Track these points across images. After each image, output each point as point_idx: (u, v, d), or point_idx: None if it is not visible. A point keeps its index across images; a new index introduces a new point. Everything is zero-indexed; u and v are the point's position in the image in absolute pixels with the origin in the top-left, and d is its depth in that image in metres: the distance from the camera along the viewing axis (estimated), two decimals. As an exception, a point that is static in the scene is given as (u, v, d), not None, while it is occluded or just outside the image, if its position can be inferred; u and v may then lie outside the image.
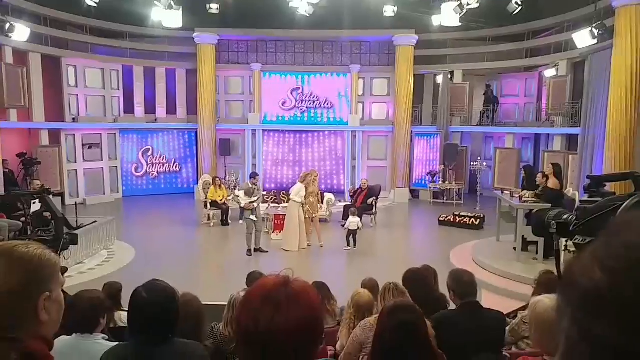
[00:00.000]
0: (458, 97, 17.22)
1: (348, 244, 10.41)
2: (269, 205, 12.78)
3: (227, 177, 15.11)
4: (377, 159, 18.02)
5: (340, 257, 10.23)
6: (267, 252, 10.09)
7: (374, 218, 12.83)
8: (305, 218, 10.35)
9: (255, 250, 10.00)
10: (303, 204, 10.21)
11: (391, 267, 9.17)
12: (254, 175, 10.06)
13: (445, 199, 16.62)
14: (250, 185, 9.96)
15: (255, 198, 9.79)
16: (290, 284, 1.36)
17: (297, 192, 10.17)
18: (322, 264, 9.90)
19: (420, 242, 11.58)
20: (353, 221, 10.30)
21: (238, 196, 9.97)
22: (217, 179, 13.01)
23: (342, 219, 11.89)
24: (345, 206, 12.45)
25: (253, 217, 9.76)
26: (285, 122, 17.90)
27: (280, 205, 13.07)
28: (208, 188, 13.07)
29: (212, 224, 12.65)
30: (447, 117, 17.19)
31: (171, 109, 17.80)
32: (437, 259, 9.71)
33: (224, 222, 12.78)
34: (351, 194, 13.44)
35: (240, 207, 9.99)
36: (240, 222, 10.32)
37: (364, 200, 12.66)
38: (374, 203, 12.69)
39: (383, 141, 18.00)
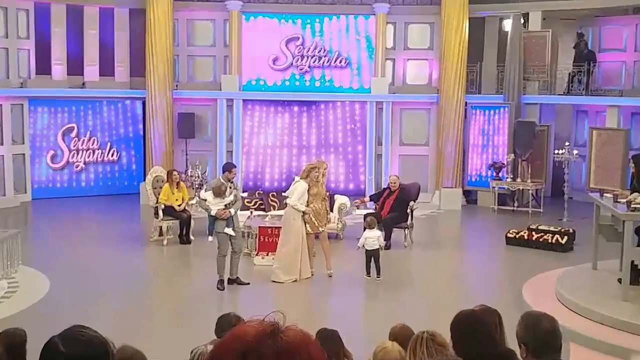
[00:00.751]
0: (535, 52, 17.20)
1: (368, 272, 10.45)
2: (251, 213, 12.82)
3: (190, 170, 15.19)
4: (413, 144, 18.07)
5: (358, 292, 10.25)
6: (247, 284, 10.11)
7: (409, 234, 12.88)
8: (307, 233, 10.37)
9: (231, 281, 10.03)
10: (304, 212, 10.23)
11: (433, 308, 9.20)
12: (229, 168, 10.04)
13: (516, 204, 16.65)
14: (224, 183, 9.89)
15: (231, 200, 9.81)
16: (280, 335, 1.38)
17: (298, 194, 10.18)
18: (332, 302, 9.93)
19: (477, 270, 11.61)
20: (371, 236, 10.33)
21: (205, 199, 9.90)
22: (175, 174, 13.06)
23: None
24: (366, 215, 12.46)
25: (228, 231, 9.77)
26: (277, 88, 17.98)
27: (269, 213, 13.12)
28: (161, 187, 13.13)
29: (165, 242, 12.73)
30: (520, 81, 17.19)
31: (106, 69, 17.91)
32: (502, 295, 9.73)
33: (184, 239, 12.86)
34: (374, 201, 13.45)
35: (210, 216, 9.95)
36: (209, 238, 10.26)
37: (393, 207, 12.69)
38: (408, 211, 12.73)
39: (423, 117, 18.04)
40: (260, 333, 1.39)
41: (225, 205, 9.79)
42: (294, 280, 10.19)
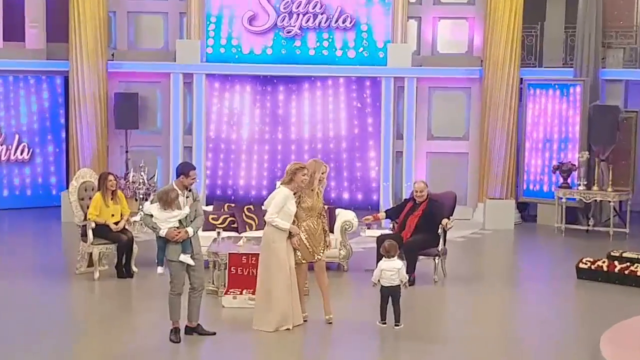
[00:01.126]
0: (619, 8, 17.21)
1: (384, 317, 10.43)
2: (218, 234, 12.80)
3: (132, 174, 15.17)
4: (448, 137, 18.08)
5: (369, 345, 10.20)
6: (213, 334, 10.05)
7: (441, 264, 12.88)
8: (297, 263, 10.38)
9: (190, 330, 9.98)
10: (290, 233, 10.22)
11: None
12: (185, 171, 9.97)
13: (591, 222, 16.65)
14: (175, 189, 9.89)
15: (186, 214, 9.77)
16: None
17: (276, 204, 10.15)
18: (338, 353, 9.89)
19: (536, 316, 11.58)
20: (389, 268, 10.30)
21: (150, 214, 9.87)
22: (111, 179, 13.00)
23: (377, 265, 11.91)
24: (379, 238, 12.43)
25: (185, 259, 9.72)
26: (255, 58, 17.98)
27: (244, 234, 13.07)
28: (91, 198, 13.09)
29: (97, 275, 12.69)
30: (597, 50, 17.22)
31: (13, 32, 17.89)
32: (572, 350, 9.70)
33: (124, 271, 12.83)
34: (392, 217, 13.44)
35: (159, 239, 9.91)
36: (159, 270, 10.21)
37: (419, 226, 12.68)
38: (440, 232, 12.72)
39: (460, 100, 18.05)
40: None
41: (180, 222, 9.74)
42: (286, 329, 10.16)
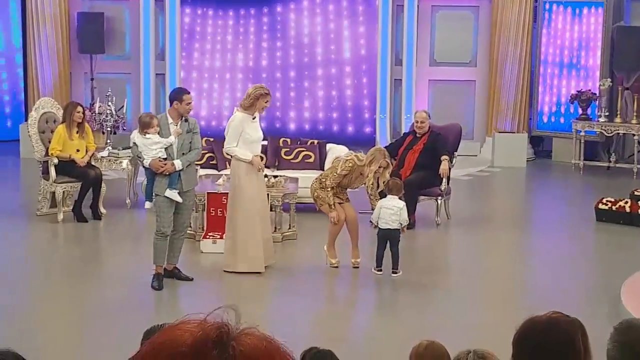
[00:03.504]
0: None
1: (380, 264, 10.53)
2: (196, 172, 12.86)
3: (98, 104, 15.11)
4: (452, 63, 18.06)
5: (364, 293, 10.38)
6: (190, 279, 10.24)
7: (444, 204, 12.99)
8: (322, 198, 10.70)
9: (167, 273, 10.13)
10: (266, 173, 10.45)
11: (482, 319, 9.31)
12: (179, 96, 9.94)
13: (613, 158, 16.74)
14: (152, 114, 10.09)
15: (171, 142, 9.80)
16: (231, 343, 1.43)
17: (232, 132, 10.15)
18: (325, 309, 10.03)
19: (550, 262, 11.71)
20: (389, 207, 10.39)
21: (135, 144, 9.96)
22: (79, 109, 12.99)
23: (372, 209, 11.98)
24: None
25: (170, 195, 9.76)
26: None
27: (224, 172, 13.11)
28: (52, 132, 13.09)
29: (61, 216, 12.73)
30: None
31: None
32: (590, 299, 9.87)
33: (92, 212, 12.92)
34: (390, 154, 13.48)
35: (147, 171, 10.00)
36: (146, 205, 10.36)
37: (419, 162, 12.74)
38: (443, 170, 12.77)
39: (467, 20, 17.99)
40: (200, 340, 1.43)
41: (167, 152, 9.82)
42: (257, 273, 10.30)
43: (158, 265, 9.98)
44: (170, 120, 9.90)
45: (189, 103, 9.95)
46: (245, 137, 10.10)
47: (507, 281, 11.04)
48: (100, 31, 17.36)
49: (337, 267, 10.74)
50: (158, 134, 9.82)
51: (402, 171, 12.62)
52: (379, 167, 10.59)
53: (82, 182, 12.76)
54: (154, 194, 9.89)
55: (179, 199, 9.81)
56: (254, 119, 10.20)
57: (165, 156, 9.79)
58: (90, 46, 17.34)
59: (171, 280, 10.12)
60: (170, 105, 10.03)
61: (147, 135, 9.77)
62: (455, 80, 17.97)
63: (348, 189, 10.97)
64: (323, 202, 10.72)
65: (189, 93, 10.11)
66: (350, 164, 10.67)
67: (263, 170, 10.45)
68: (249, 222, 10.29)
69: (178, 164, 9.76)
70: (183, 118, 9.91)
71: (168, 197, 9.77)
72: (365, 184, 10.79)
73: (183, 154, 9.88)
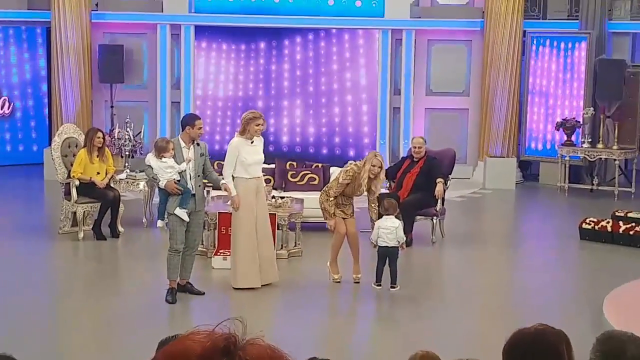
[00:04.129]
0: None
1: (379, 279, 10.53)
2: (207, 193, 12.79)
3: (117, 130, 15.15)
4: (447, 92, 18.07)
5: (363, 307, 10.38)
6: (202, 293, 10.25)
7: (439, 224, 12.99)
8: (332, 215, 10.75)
9: (180, 288, 10.15)
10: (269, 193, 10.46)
11: (473, 331, 9.31)
12: (191, 122, 9.99)
13: (595, 182, 16.71)
14: (168, 139, 10.13)
15: (181, 169, 9.85)
16: (238, 353, 1.45)
17: (231, 159, 10.25)
18: (326, 321, 10.03)
19: (537, 277, 11.69)
20: (387, 227, 10.38)
21: (150, 166, 10.00)
22: (100, 135, 13.01)
23: (371, 229, 11.98)
24: (378, 197, 12.48)
25: (180, 214, 9.78)
26: (242, 7, 17.88)
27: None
28: (74, 155, 13.10)
29: (82, 234, 12.74)
30: (604, 1, 17.15)
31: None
32: (574, 312, 9.85)
33: (110, 230, 12.91)
34: (389, 177, 13.47)
35: (160, 191, 10.07)
36: (159, 223, 10.42)
37: (417, 184, 12.74)
38: (438, 192, 12.78)
39: (461, 54, 18.02)
40: (209, 349, 1.43)
41: (181, 175, 9.86)
42: (252, 289, 10.33)
43: (172, 280, 9.99)
44: (182, 144, 9.94)
45: (200, 128, 10.02)
46: (241, 160, 10.15)
47: (498, 295, 11.03)
48: (120, 62, 17.39)
49: (339, 282, 10.74)
50: (173, 157, 9.87)
51: (401, 193, 12.63)
52: (372, 165, 10.63)
53: (101, 202, 12.76)
54: (167, 213, 9.94)
55: (186, 218, 9.85)
56: (252, 142, 10.22)
57: (179, 178, 9.84)
58: (111, 76, 17.36)
59: (184, 294, 10.12)
60: (183, 130, 10.05)
61: (163, 159, 9.81)
62: (450, 109, 17.97)
63: (353, 199, 10.95)
64: (326, 212, 10.75)
65: (199, 119, 10.18)
66: (351, 173, 10.70)
67: (237, 208, 10.36)
68: (245, 240, 10.31)
69: (189, 185, 9.91)
70: (195, 142, 9.95)
71: (177, 215, 9.81)
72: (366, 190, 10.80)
73: (198, 176, 9.96)
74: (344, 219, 10.77)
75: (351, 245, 10.86)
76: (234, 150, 10.19)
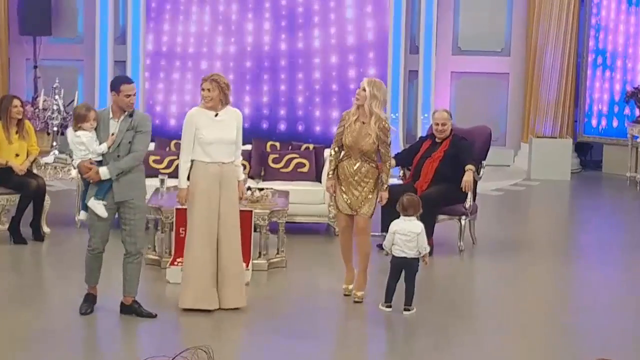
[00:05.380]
0: None
1: (390, 298, 10.50)
2: (162, 182, 12.81)
3: (43, 98, 15.09)
4: (479, 51, 18.07)
5: (369, 333, 10.35)
6: (154, 316, 10.23)
7: (469, 225, 13.03)
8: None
9: (126, 309, 10.17)
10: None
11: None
12: (117, 86, 9.92)
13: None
14: (89, 106, 10.13)
15: (100, 151, 9.76)
16: None
17: (186, 138, 10.24)
18: (318, 352, 9.98)
19: (600, 297, 11.68)
20: (406, 231, 10.33)
21: (79, 136, 9.93)
22: (16, 104, 12.95)
23: (381, 231, 11.95)
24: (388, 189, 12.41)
25: (94, 205, 9.77)
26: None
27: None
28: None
29: (-5, 236, 12.77)
30: None
31: None
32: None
33: (33, 231, 12.92)
34: (403, 164, 13.42)
35: (81, 176, 10.13)
36: (80, 215, 10.47)
37: (439, 173, 12.72)
38: (467, 183, 12.74)
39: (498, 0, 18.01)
40: None
41: (104, 157, 9.79)
42: (206, 311, 10.27)
43: (90, 286, 10.07)
44: (111, 115, 9.84)
45: (129, 95, 9.78)
46: (198, 137, 10.08)
47: (545, 321, 10.97)
48: (47, 7, 17.36)
49: (348, 294, 10.77)
50: (95, 130, 9.79)
51: (418, 184, 12.59)
52: (361, 89, 10.55)
53: (20, 194, 12.73)
54: (88, 200, 9.88)
55: (102, 212, 9.74)
56: (215, 115, 10.14)
57: (100, 159, 9.73)
58: (34, 26, 17.32)
59: (129, 316, 10.09)
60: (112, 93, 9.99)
61: (77, 133, 9.73)
62: (484, 73, 18.00)
63: (370, 177, 10.67)
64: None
65: (130, 82, 9.97)
66: (341, 118, 10.78)
67: (181, 203, 10.31)
68: (198, 245, 10.23)
69: (104, 172, 9.67)
70: (127, 113, 9.83)
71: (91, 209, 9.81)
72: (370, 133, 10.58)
73: (118, 156, 9.76)
74: (348, 215, 10.69)
75: (357, 249, 10.82)
76: (190, 124, 10.13)
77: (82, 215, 10.21)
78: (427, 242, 10.44)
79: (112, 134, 9.73)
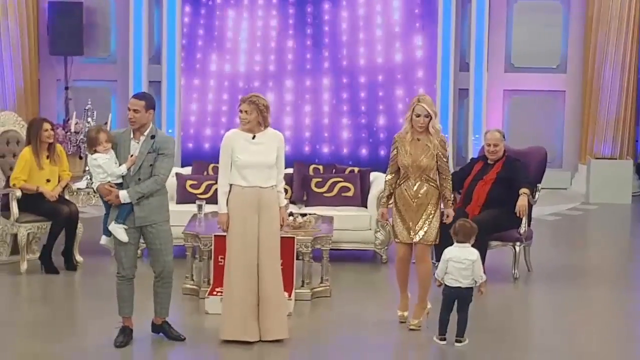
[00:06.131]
0: None
1: (444, 331, 10.44)
2: (200, 208, 12.82)
3: (75, 121, 15.15)
4: (534, 68, 18.00)
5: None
6: (182, 339, 10.28)
7: (524, 252, 12.95)
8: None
9: (156, 328, 10.27)
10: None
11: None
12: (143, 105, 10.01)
13: None
14: (102, 128, 10.15)
15: (119, 174, 9.74)
16: None
17: (224, 163, 10.21)
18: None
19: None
20: (460, 260, 10.25)
21: (95, 159, 9.89)
22: (47, 127, 12.95)
23: (434, 259, 11.90)
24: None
25: (115, 229, 9.80)
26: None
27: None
28: (15, 156, 13.13)
29: (25, 266, 12.81)
30: None
31: None
32: None
33: (65, 260, 12.95)
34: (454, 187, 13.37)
35: (103, 200, 10.13)
36: (102, 240, 10.26)
37: (491, 196, 12.67)
38: (521, 207, 12.65)
39: (554, 12, 17.96)
40: None
41: (124, 179, 9.80)
42: (247, 343, 10.22)
43: (124, 317, 10.07)
44: (132, 135, 9.85)
45: (129, 109, 9.78)
46: (234, 161, 10.06)
47: (603, 352, 10.87)
48: (78, 26, 17.42)
49: (404, 322, 10.77)
50: (115, 151, 9.81)
51: (470, 208, 12.54)
52: (417, 116, 10.52)
53: (52, 221, 12.77)
54: (110, 226, 9.91)
55: (123, 237, 9.76)
56: (253, 138, 10.13)
57: (120, 181, 9.77)
58: (65, 46, 17.39)
59: (159, 337, 10.18)
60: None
61: (94, 156, 9.75)
62: (539, 91, 17.94)
63: (430, 210, 10.67)
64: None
65: (136, 97, 9.95)
66: (394, 141, 10.77)
67: (224, 230, 10.25)
68: (237, 275, 10.18)
69: (124, 195, 9.68)
70: (149, 134, 9.79)
71: (114, 237, 9.84)
72: (432, 151, 10.56)
73: (139, 179, 9.76)
74: (407, 244, 10.66)
75: (418, 278, 10.79)
76: (227, 146, 10.12)
77: (104, 240, 10.18)
78: (483, 271, 10.35)
79: (131, 155, 9.74)
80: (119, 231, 9.78)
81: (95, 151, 9.76)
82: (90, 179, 10.13)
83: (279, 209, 10.31)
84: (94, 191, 10.23)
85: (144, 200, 9.79)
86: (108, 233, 9.98)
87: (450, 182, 10.68)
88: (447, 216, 10.63)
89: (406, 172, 10.55)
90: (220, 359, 10.23)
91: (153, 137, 9.78)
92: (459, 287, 10.13)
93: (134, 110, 9.74)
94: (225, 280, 10.29)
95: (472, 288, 10.19)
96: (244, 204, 10.11)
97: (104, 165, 9.71)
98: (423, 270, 10.68)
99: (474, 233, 10.33)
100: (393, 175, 10.66)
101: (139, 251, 10.50)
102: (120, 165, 9.74)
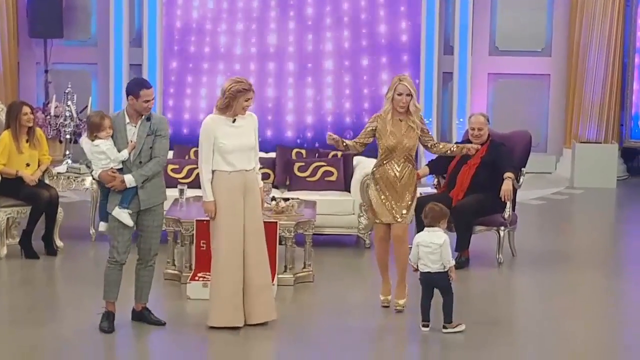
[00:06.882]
0: None
1: (427, 317, 10.46)
2: (181, 193, 12.84)
3: (55, 105, 15.14)
4: (518, 51, 18.04)
5: (404, 355, 10.35)
6: (162, 324, 10.33)
7: (508, 236, 13.01)
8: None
9: (136, 315, 10.30)
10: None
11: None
12: (135, 91, 9.83)
13: None
14: (103, 114, 10.05)
15: (120, 159, 9.75)
16: None
17: (205, 148, 10.21)
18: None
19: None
20: (428, 244, 10.25)
21: (97, 145, 9.88)
22: (26, 111, 12.89)
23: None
24: (419, 200, 12.34)
25: (119, 216, 9.85)
26: None
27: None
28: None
29: (4, 252, 12.86)
30: None
31: None
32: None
33: (45, 246, 12.99)
34: (437, 172, 13.44)
35: (101, 186, 10.16)
36: (101, 226, 10.32)
37: (476, 180, 12.74)
38: (506, 192, 12.71)
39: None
40: None
41: (124, 164, 9.84)
42: (234, 328, 10.25)
43: (108, 302, 10.06)
44: (127, 119, 9.91)
45: (148, 100, 9.85)
46: (218, 147, 10.06)
47: (588, 336, 10.90)
48: (58, 8, 17.39)
49: (387, 306, 10.86)
50: (112, 137, 9.87)
51: (454, 192, 12.60)
52: (398, 94, 10.60)
53: (32, 206, 12.79)
54: (109, 211, 9.95)
55: (128, 221, 9.83)
56: (233, 121, 10.18)
57: (120, 166, 9.83)
58: (45, 28, 17.35)
59: (139, 323, 10.22)
60: (128, 99, 10.02)
61: (95, 142, 9.77)
62: (523, 74, 17.96)
63: (412, 191, 10.82)
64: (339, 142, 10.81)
65: (149, 87, 9.95)
66: (373, 118, 10.87)
67: (212, 217, 10.24)
68: (225, 260, 10.21)
69: (130, 179, 9.76)
70: (144, 117, 9.91)
71: (116, 218, 9.86)
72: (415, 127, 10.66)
73: (140, 162, 9.85)
74: (386, 224, 10.75)
75: (395, 257, 10.85)
76: (208, 132, 10.11)
77: (102, 226, 10.19)
78: (451, 255, 10.31)
79: (131, 141, 9.80)
80: (123, 215, 9.82)
81: (96, 137, 9.81)
82: (88, 166, 10.00)
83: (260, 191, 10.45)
84: (94, 179, 10.19)
85: (147, 182, 9.88)
86: (106, 219, 10.06)
87: (442, 143, 10.98)
88: (469, 149, 11.02)
89: (390, 153, 10.61)
90: (205, 344, 10.28)
91: (149, 119, 9.88)
92: (429, 272, 10.16)
93: (152, 100, 9.97)
94: (214, 267, 10.29)
95: (443, 273, 10.16)
96: (231, 190, 10.14)
97: (107, 152, 9.77)
98: (403, 251, 10.73)
99: (444, 217, 10.35)
100: (360, 143, 10.81)
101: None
102: (119, 150, 9.82)
